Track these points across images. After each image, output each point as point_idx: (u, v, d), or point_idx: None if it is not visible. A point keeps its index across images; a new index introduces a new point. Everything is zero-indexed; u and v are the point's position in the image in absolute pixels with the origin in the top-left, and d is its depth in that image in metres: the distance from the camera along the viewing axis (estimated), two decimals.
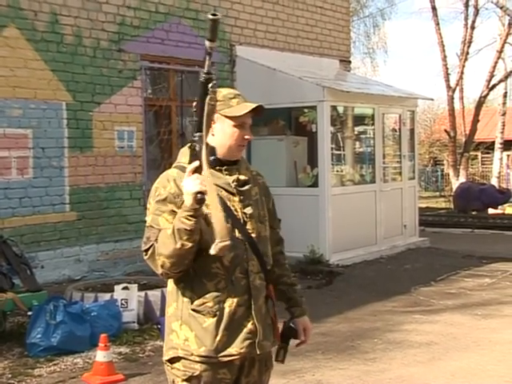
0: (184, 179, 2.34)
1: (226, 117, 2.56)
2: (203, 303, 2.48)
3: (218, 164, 2.56)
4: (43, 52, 8.22)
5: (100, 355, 5.13)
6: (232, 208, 2.54)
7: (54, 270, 8.21)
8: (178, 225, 2.34)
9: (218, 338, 2.47)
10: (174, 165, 2.63)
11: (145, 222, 2.56)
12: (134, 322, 6.41)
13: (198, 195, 2.28)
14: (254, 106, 2.55)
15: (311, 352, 5.81)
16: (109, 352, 5.19)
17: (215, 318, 2.47)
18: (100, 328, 5.84)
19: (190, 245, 2.36)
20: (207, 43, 2.34)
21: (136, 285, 6.67)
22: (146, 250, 2.46)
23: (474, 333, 6.39)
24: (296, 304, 2.79)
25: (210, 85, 2.33)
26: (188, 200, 2.31)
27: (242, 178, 2.60)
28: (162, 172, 2.63)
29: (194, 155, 2.37)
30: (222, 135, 2.57)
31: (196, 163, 2.33)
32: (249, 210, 2.57)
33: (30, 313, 5.88)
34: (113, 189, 8.95)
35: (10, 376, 5.26)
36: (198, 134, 2.37)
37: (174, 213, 2.44)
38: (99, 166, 8.79)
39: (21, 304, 5.94)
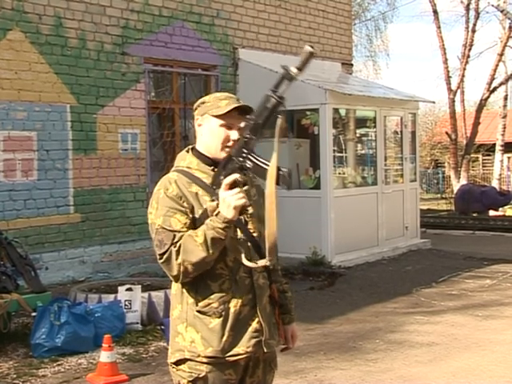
0: (222, 192, 2.40)
1: (213, 116, 2.58)
2: (208, 304, 2.50)
3: (216, 165, 2.59)
4: (47, 55, 8.27)
5: (104, 356, 5.17)
6: None
7: (58, 272, 8.26)
8: (212, 234, 2.39)
9: (225, 338, 2.49)
10: (173, 168, 2.66)
11: (148, 223, 2.59)
12: (137, 323, 6.44)
13: (243, 210, 2.40)
14: (237, 104, 2.56)
15: (313, 353, 5.85)
16: (112, 352, 5.22)
17: (221, 319, 2.49)
18: (104, 329, 5.88)
19: (218, 253, 2.44)
20: (294, 70, 2.35)
21: (139, 286, 6.70)
22: (162, 254, 2.46)
23: (475, 334, 6.42)
24: (286, 311, 2.79)
25: (280, 109, 2.40)
26: (230, 213, 2.38)
27: (241, 179, 2.63)
28: (165, 174, 2.68)
29: (234, 169, 2.45)
30: (208, 135, 2.60)
31: (233, 176, 2.40)
32: (250, 210, 2.58)
33: (34, 314, 5.90)
34: (116, 191, 9.00)
35: (14, 376, 5.29)
36: (246, 151, 2.44)
37: (183, 214, 2.48)
38: (103, 168, 8.84)
39: (25, 305, 5.96)
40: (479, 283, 8.75)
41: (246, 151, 2.45)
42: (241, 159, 2.45)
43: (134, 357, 5.79)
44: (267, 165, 2.41)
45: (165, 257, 2.45)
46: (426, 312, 7.30)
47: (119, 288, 6.59)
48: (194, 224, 2.49)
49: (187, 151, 2.69)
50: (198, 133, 2.66)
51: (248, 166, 2.44)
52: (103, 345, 5.20)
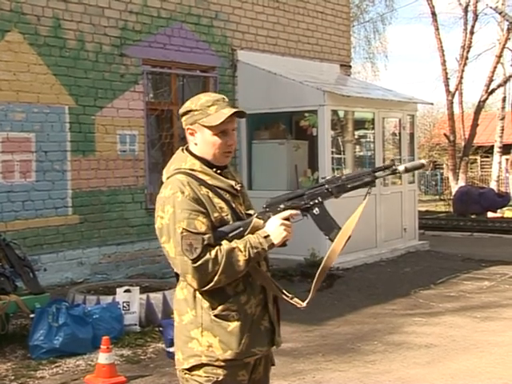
0: (279, 219, 2.53)
1: (204, 126, 2.55)
2: (226, 308, 2.50)
3: (216, 168, 2.60)
4: (46, 56, 8.27)
5: (102, 357, 5.16)
6: (237, 210, 2.59)
7: (57, 273, 8.24)
8: (255, 253, 2.47)
9: (243, 340, 2.51)
10: (175, 170, 2.58)
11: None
12: (135, 325, 6.43)
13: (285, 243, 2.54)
14: (228, 114, 2.53)
15: (312, 354, 5.85)
16: (111, 354, 5.22)
17: (239, 322, 2.51)
18: (102, 330, 5.88)
19: None
20: (401, 168, 2.63)
21: (138, 287, 6.70)
22: (195, 259, 2.42)
23: (473, 335, 6.43)
24: None
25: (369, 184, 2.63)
26: (277, 239, 2.51)
27: (238, 180, 2.66)
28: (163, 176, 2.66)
29: (299, 206, 2.58)
30: (204, 145, 2.58)
31: (294, 212, 2.55)
32: (251, 211, 2.64)
33: (32, 315, 5.90)
34: (115, 192, 8.99)
35: (12, 378, 5.29)
36: (320, 199, 2.60)
37: (205, 216, 2.47)
38: (101, 169, 8.83)
39: (24, 306, 5.96)
40: (477, 285, 8.75)
41: (320, 200, 2.59)
42: (311, 203, 2.58)
43: (133, 358, 5.78)
44: (337, 223, 2.62)
45: (199, 263, 2.42)
46: (424, 314, 7.30)
47: (117, 289, 6.58)
48: (213, 226, 2.50)
49: (182, 151, 2.66)
50: (191, 141, 2.63)
51: (315, 213, 2.59)
52: (101, 346, 5.20)
